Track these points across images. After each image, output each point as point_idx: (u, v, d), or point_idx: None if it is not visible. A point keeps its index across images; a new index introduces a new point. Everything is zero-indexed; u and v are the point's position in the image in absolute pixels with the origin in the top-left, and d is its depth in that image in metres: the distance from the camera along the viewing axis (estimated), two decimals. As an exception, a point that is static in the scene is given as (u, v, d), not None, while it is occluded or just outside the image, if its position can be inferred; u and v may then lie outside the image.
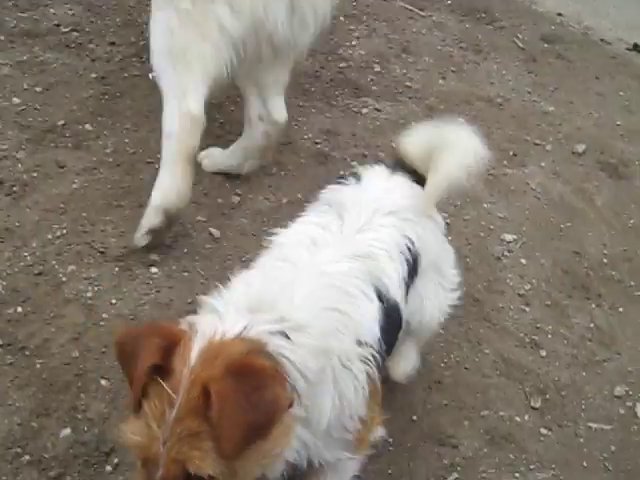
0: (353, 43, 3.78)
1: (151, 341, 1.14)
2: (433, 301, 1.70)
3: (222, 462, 1.08)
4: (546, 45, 4.35)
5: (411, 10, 4.34)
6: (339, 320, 1.32)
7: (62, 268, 2.29)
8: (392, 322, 1.45)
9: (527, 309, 2.41)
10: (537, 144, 3.28)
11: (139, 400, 1.12)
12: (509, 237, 2.68)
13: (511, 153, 3.15)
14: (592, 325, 2.44)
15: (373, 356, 1.37)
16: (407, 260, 1.49)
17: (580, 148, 3.32)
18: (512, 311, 2.39)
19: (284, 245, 1.46)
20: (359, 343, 1.35)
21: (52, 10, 3.54)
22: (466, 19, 4.43)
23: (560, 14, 4.97)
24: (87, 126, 2.83)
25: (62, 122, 2.82)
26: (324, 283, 1.33)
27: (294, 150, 2.83)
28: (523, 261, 2.60)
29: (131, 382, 1.14)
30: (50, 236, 2.38)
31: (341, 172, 2.67)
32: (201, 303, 1.30)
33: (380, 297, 1.40)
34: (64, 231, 2.41)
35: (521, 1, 5.03)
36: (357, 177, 1.61)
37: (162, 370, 1.12)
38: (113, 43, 3.38)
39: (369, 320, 1.37)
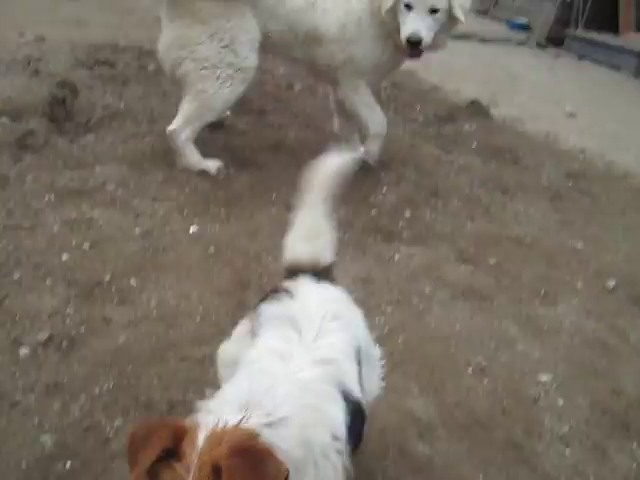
0: (383, 190, 3.94)
1: (162, 429, 1.25)
2: (372, 380, 1.88)
3: None
4: (571, 182, 4.49)
5: (438, 155, 4.54)
6: (316, 416, 1.46)
7: (109, 422, 2.36)
8: (357, 419, 1.59)
9: (567, 451, 2.40)
10: (567, 282, 3.33)
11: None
12: (545, 378, 2.70)
13: (542, 292, 3.20)
14: (634, 465, 2.42)
15: (345, 450, 1.50)
16: (356, 357, 1.67)
17: (611, 284, 3.37)
18: (552, 454, 2.38)
19: (256, 361, 1.61)
20: (334, 437, 1.48)
21: (99, 169, 3.78)
22: (491, 160, 4.61)
23: (583, 150, 5.14)
24: (132, 281, 2.95)
25: (108, 277, 2.95)
26: (299, 386, 1.49)
27: (330, 300, 2.92)
28: (560, 402, 2.61)
29: (137, 464, 1.25)
30: (97, 390, 2.46)
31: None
32: (198, 406, 1.42)
33: (345, 397, 1.54)
34: (110, 385, 2.49)
35: (544, 140, 5.22)
36: (289, 293, 1.76)
37: (173, 454, 1.23)
38: (155, 199, 3.58)
39: (339, 418, 1.51)
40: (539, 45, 8.70)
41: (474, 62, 7.32)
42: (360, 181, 4.01)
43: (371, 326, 2.72)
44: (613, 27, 8.38)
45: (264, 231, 3.34)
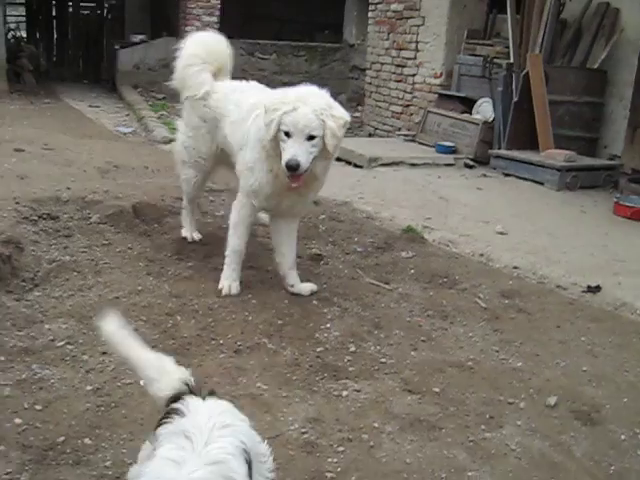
0: (327, 325, 4.08)
1: None
2: (261, 473, 2.11)
3: None
4: (506, 301, 4.68)
5: (378, 285, 4.72)
6: None
7: None
8: None
9: None
10: (510, 403, 3.46)
11: None
12: (496, 506, 2.78)
13: (487, 416, 3.32)
14: None
15: None
16: (245, 458, 1.89)
17: (552, 400, 3.50)
18: None
19: (152, 469, 1.81)
20: None
21: (47, 326, 3.84)
22: (429, 286, 4.80)
23: (516, 267, 5.37)
24: (86, 440, 2.97)
25: (62, 438, 2.97)
26: None
27: (282, 442, 2.99)
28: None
29: None
30: None
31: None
32: None
33: None
34: None
35: (478, 261, 5.45)
36: (180, 412, 1.99)
37: None
38: (104, 352, 3.63)
39: None
40: (466, 166, 9.13)
41: (406, 187, 7.64)
42: (305, 317, 4.15)
43: (323, 468, 2.81)
44: (534, 145, 8.85)
45: (214, 378, 3.42)
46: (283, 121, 3.94)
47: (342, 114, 4.11)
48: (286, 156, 3.90)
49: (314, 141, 3.94)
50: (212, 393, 2.19)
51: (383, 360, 3.76)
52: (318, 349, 3.81)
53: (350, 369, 3.64)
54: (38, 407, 3.15)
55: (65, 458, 2.86)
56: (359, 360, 3.74)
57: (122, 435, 3.00)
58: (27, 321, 3.86)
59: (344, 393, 3.42)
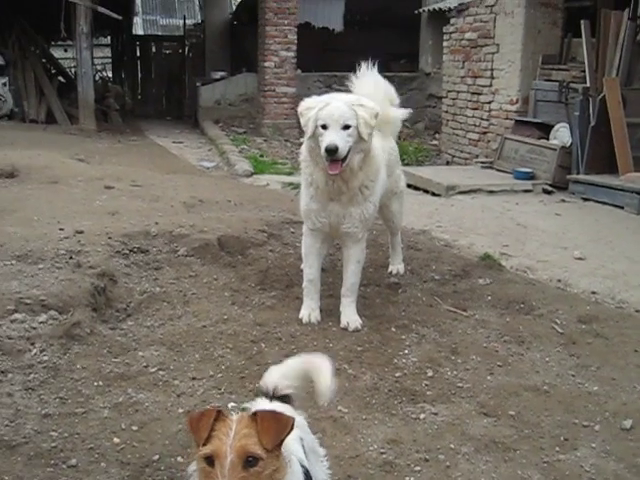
0: (406, 351, 4.22)
1: (209, 410, 1.99)
2: (319, 468, 2.44)
3: (262, 449, 1.88)
4: (584, 326, 4.72)
5: (455, 312, 4.83)
6: None
7: None
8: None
9: None
10: (585, 425, 3.52)
11: (209, 433, 1.91)
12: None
13: (562, 438, 3.39)
14: None
15: None
16: (302, 444, 2.25)
17: (628, 424, 3.54)
18: None
19: None
20: None
21: (140, 353, 4.10)
22: (506, 312, 4.88)
23: (594, 292, 5.40)
24: (179, 458, 3.18)
25: (157, 457, 3.18)
26: None
27: (362, 462, 3.14)
28: None
29: (199, 427, 1.92)
30: None
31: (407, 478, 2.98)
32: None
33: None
34: None
35: (555, 286, 5.50)
36: (248, 409, 2.25)
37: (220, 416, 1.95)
38: (194, 378, 3.86)
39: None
40: (545, 191, 9.14)
41: (484, 215, 7.72)
42: (384, 344, 4.30)
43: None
44: (613, 169, 8.82)
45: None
46: (319, 116, 4.27)
47: (372, 105, 4.41)
48: (324, 143, 4.21)
49: (349, 130, 4.24)
50: (284, 398, 2.41)
51: (460, 384, 3.87)
52: (397, 374, 3.95)
53: (427, 393, 3.77)
54: (134, 428, 3.38)
55: (160, 475, 3.07)
56: (436, 384, 3.86)
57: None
58: (122, 349, 4.12)
59: (421, 416, 3.54)
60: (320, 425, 3.41)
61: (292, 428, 1.96)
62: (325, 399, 2.46)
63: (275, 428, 1.93)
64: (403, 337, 4.42)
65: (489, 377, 3.97)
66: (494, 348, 4.34)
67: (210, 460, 1.89)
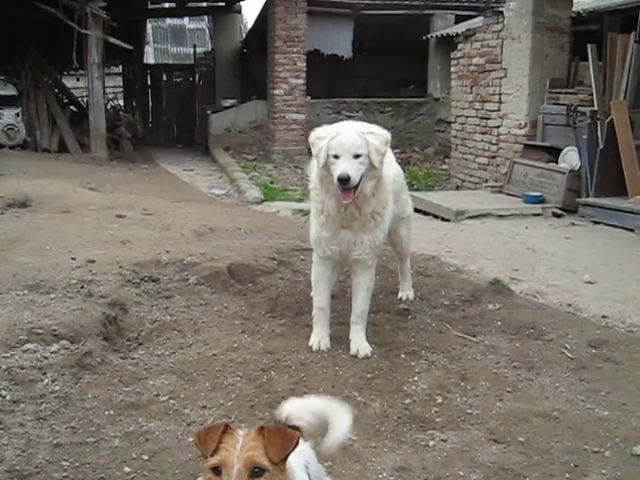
0: (415, 378, 4.23)
1: (216, 425, 2.06)
2: None
3: (269, 462, 1.94)
4: (594, 350, 4.71)
5: (465, 338, 4.83)
6: None
7: None
8: None
9: None
10: (596, 451, 3.50)
11: (217, 445, 1.97)
12: None
13: (572, 465, 3.38)
14: None
15: None
16: (307, 472, 2.31)
17: (638, 449, 3.53)
18: None
19: None
20: None
21: (151, 382, 4.13)
22: (516, 337, 4.89)
23: (604, 316, 5.38)
24: (189, 489, 3.21)
25: (167, 488, 3.21)
26: None
27: (372, 491, 3.15)
28: None
29: (207, 440, 1.99)
30: None
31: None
32: None
33: None
34: None
35: (565, 311, 5.49)
36: None
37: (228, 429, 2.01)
38: (204, 407, 3.88)
39: None
40: (554, 215, 9.15)
41: (494, 239, 7.73)
42: (394, 371, 4.31)
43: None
44: (622, 192, 8.83)
45: (306, 430, 3.61)
46: (331, 146, 4.30)
47: (382, 132, 4.46)
48: (337, 172, 4.25)
49: (360, 159, 4.29)
50: (294, 427, 2.41)
51: (469, 411, 3.87)
52: (406, 401, 3.95)
53: (437, 420, 3.77)
54: (145, 457, 3.40)
55: (171, 509, 3.09)
56: (446, 411, 3.86)
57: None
58: (133, 378, 4.15)
59: (431, 443, 3.55)
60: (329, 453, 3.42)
61: (297, 443, 2.02)
62: (334, 446, 2.50)
63: (281, 442, 1.99)
64: (412, 364, 4.43)
65: (498, 403, 3.97)
66: (504, 374, 4.34)
67: (217, 471, 1.95)
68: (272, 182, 12.21)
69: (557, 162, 9.95)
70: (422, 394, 4.05)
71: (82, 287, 4.96)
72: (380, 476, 3.26)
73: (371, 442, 3.54)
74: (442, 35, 16.13)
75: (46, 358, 4.02)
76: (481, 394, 4.08)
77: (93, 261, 5.48)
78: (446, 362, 4.47)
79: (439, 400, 3.98)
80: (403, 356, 4.53)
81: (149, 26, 25.59)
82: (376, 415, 3.81)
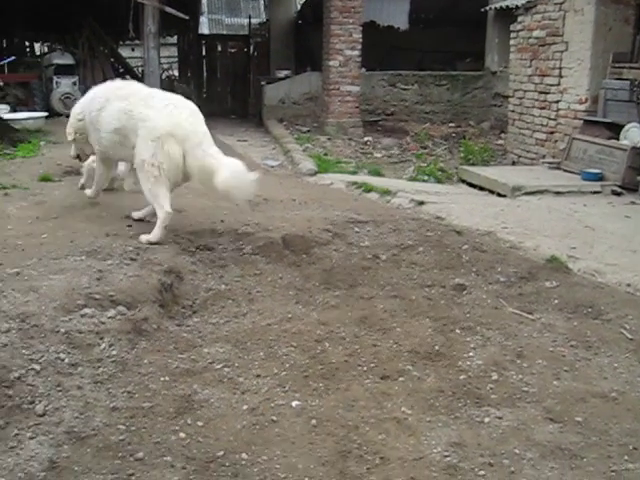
0: (470, 354, 4.18)
1: None
2: None
3: None
4: (654, 331, 4.61)
5: (521, 315, 4.76)
6: None
7: None
8: None
9: None
10: (659, 429, 3.44)
11: None
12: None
13: (631, 447, 3.31)
14: None
15: None
16: None
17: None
18: None
19: None
20: None
21: (206, 350, 4.15)
22: (574, 316, 4.79)
23: (666, 297, 5.25)
24: (243, 455, 3.21)
25: (221, 452, 3.22)
26: None
27: (426, 464, 3.12)
28: None
29: None
30: None
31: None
32: None
33: None
34: None
35: (625, 291, 5.37)
36: None
37: None
38: (258, 375, 3.90)
39: None
40: (614, 193, 8.94)
41: (551, 216, 7.59)
42: (448, 346, 4.27)
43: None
44: (686, 170, 8.61)
45: (360, 402, 3.60)
46: None
47: None
48: None
49: None
50: None
51: (525, 389, 3.82)
52: (461, 377, 3.92)
53: (492, 397, 3.72)
54: (200, 423, 3.43)
55: (225, 470, 3.11)
56: (501, 388, 3.81)
57: (276, 452, 3.22)
58: (188, 345, 4.18)
59: (486, 420, 3.51)
60: (383, 426, 3.41)
61: None
62: None
63: None
64: (468, 339, 4.38)
65: (555, 382, 3.91)
66: (561, 353, 4.27)
67: None
68: (326, 154, 12.16)
69: (618, 139, 9.69)
70: (477, 370, 4.00)
71: (138, 254, 5.00)
72: (435, 451, 3.23)
73: (425, 416, 3.52)
74: (501, 7, 15.80)
75: (103, 323, 4.07)
76: (537, 372, 4.01)
77: (150, 229, 5.51)
78: (502, 339, 4.41)
79: (494, 377, 3.93)
80: (458, 331, 4.48)
81: (205, -4, 25.59)
82: (430, 390, 3.78)
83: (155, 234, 5.28)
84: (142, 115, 5.40)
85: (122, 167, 6.59)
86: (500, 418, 3.52)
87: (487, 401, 3.68)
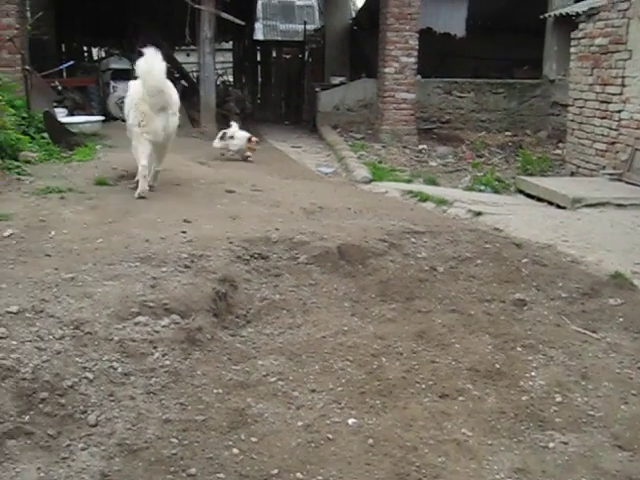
0: (532, 373, 4.03)
1: None
2: None
3: None
4: None
5: (584, 333, 4.58)
6: None
7: None
8: None
9: None
10: None
11: None
12: None
13: None
14: None
15: None
16: None
17: None
18: None
19: None
20: None
21: (260, 362, 4.08)
22: (640, 336, 4.61)
23: None
24: (298, 474, 3.12)
25: (276, 471, 3.14)
26: None
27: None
28: None
29: None
30: None
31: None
32: None
33: None
34: None
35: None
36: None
37: None
38: (314, 390, 3.80)
39: None
40: (679, 205, 8.66)
41: (613, 230, 7.37)
42: (509, 364, 4.12)
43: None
44: None
45: (419, 422, 3.48)
46: None
47: None
48: None
49: None
50: None
51: (591, 412, 3.66)
52: (523, 397, 3.77)
53: (556, 420, 3.57)
54: (253, 439, 3.35)
55: (280, 495, 3.02)
56: (566, 411, 3.66)
57: (331, 472, 3.13)
58: (242, 356, 4.11)
59: (550, 445, 3.36)
60: (443, 448, 3.29)
61: None
62: None
63: None
64: (529, 358, 4.22)
65: (623, 406, 3.74)
66: (628, 375, 4.08)
67: None
68: (380, 162, 12.04)
69: (683, 150, 9.41)
70: (540, 391, 3.85)
71: (192, 261, 4.95)
72: (497, 477, 3.11)
73: (487, 439, 3.39)
74: (561, 14, 15.50)
75: (157, 332, 4.02)
76: (604, 395, 3.85)
77: (203, 235, 5.47)
78: (565, 358, 4.24)
79: (558, 399, 3.77)
80: (519, 349, 4.32)
81: (259, 2, 25.66)
82: (491, 410, 3.64)
83: None
84: None
85: None
86: (565, 444, 3.37)
87: (551, 425, 3.53)
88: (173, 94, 7.69)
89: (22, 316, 3.89)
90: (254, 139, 11.09)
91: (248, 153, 10.82)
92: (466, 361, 4.13)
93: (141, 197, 6.92)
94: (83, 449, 3.12)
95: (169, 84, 7.59)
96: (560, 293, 5.23)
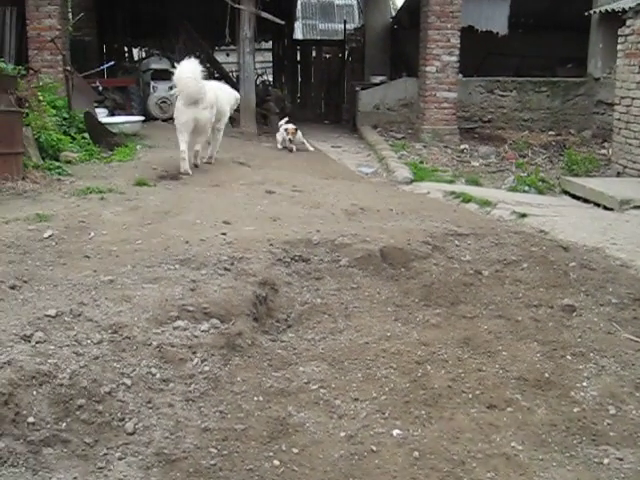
0: (584, 384, 3.87)
1: None
2: None
3: None
4: None
5: (637, 341, 4.41)
6: None
7: None
8: None
9: None
10: None
11: None
12: None
13: None
14: None
15: None
16: None
17: None
18: None
19: None
20: None
21: (301, 368, 3.98)
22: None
23: None
24: (340, 488, 3.03)
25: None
26: None
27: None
28: None
29: None
30: None
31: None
32: None
33: None
34: None
35: None
36: None
37: None
38: (356, 399, 3.69)
39: None
40: None
41: (663, 232, 7.14)
42: (559, 373, 3.97)
43: None
44: None
45: (466, 434, 3.35)
46: None
47: None
48: None
49: None
50: None
51: (647, 420, 3.50)
52: (574, 409, 3.62)
53: (611, 434, 3.42)
54: (295, 450, 3.25)
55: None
56: (620, 424, 3.50)
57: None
58: (283, 362, 4.02)
59: (605, 460, 3.21)
60: (492, 462, 3.16)
61: None
62: None
63: None
64: (580, 367, 4.06)
65: (681, 420, 3.57)
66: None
67: None
68: (422, 162, 11.87)
69: None
70: (592, 402, 3.69)
71: (232, 264, 4.87)
72: None
73: (538, 453, 3.25)
74: (607, 10, 15.15)
75: (196, 337, 3.95)
76: (659, 404, 3.68)
77: (243, 237, 5.40)
78: (617, 368, 4.07)
79: (612, 411, 3.61)
80: (569, 357, 4.16)
81: (299, 2, 25.57)
82: (542, 423, 3.50)
83: None
84: None
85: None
86: (621, 460, 3.22)
87: (605, 439, 3.38)
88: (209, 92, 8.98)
89: (60, 320, 3.84)
90: (291, 128, 12.24)
91: (289, 138, 12.15)
92: (514, 370, 3.99)
93: (182, 174, 8.51)
94: (120, 458, 3.05)
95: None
96: (610, 299, 5.04)
